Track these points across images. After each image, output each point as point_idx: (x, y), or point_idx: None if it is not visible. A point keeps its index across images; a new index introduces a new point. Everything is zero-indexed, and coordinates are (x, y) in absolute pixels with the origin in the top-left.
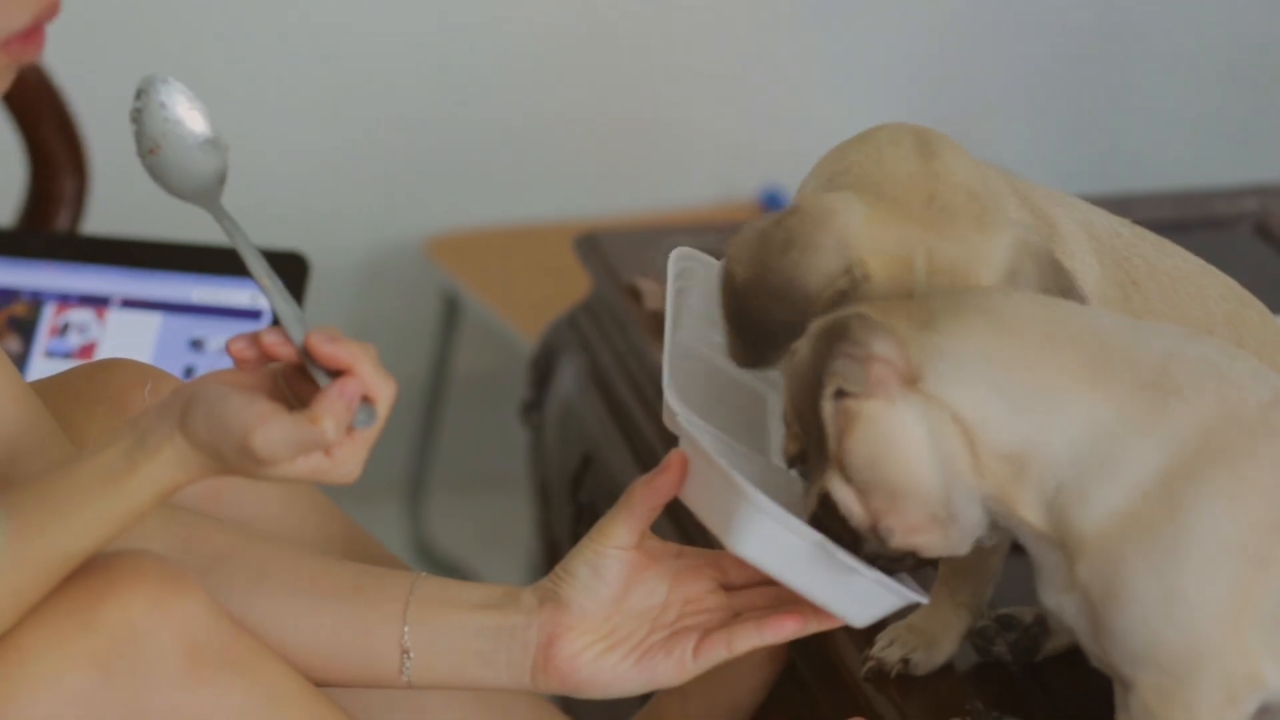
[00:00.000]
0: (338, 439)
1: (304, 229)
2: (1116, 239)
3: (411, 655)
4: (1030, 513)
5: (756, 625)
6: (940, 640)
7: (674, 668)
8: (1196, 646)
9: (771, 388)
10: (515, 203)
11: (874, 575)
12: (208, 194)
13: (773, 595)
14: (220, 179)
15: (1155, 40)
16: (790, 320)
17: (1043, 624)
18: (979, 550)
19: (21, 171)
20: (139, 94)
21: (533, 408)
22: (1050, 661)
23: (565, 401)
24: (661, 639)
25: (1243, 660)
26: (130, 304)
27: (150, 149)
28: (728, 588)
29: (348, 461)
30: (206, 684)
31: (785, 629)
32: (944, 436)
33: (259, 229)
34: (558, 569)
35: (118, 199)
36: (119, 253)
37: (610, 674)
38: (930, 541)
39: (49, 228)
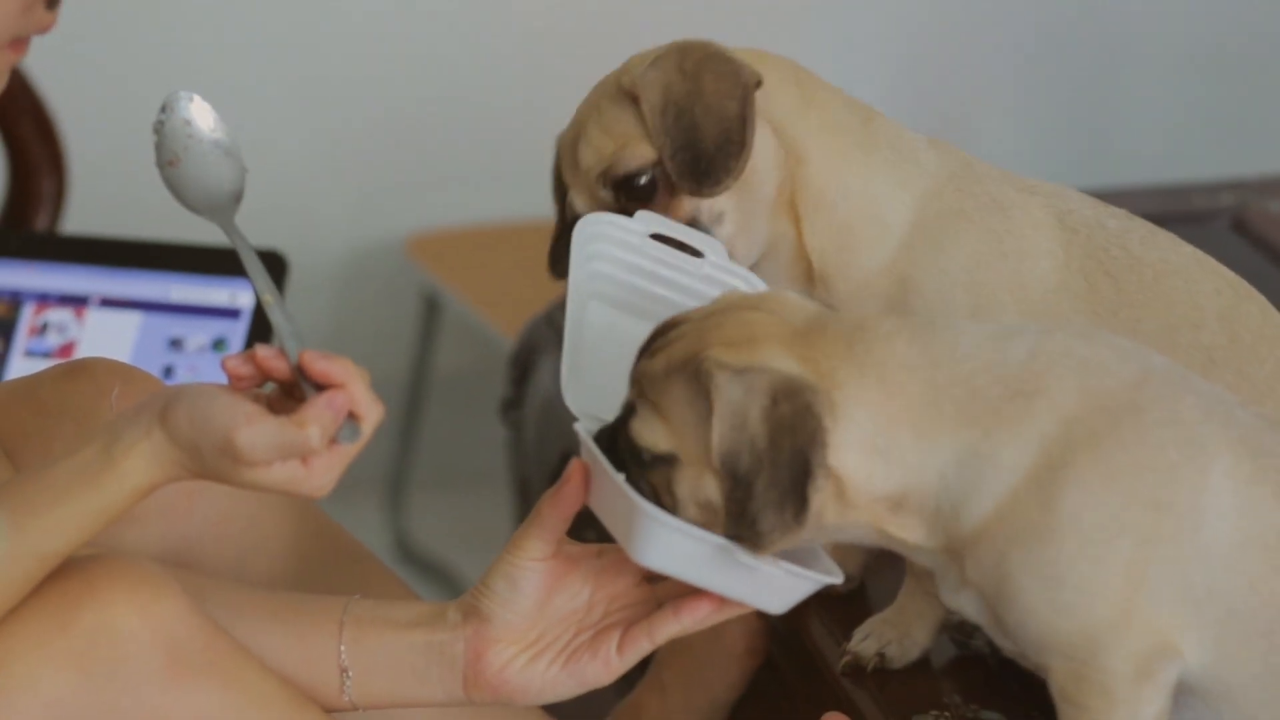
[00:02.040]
0: (320, 447)
1: (283, 227)
2: (1099, 230)
3: (350, 675)
4: (908, 534)
5: (674, 611)
6: (914, 632)
7: (601, 667)
8: (1091, 629)
9: None
10: (495, 201)
11: (779, 568)
12: (222, 210)
13: (692, 599)
14: (236, 198)
15: (1135, 35)
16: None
17: None
18: None
19: (0, 171)
20: (163, 107)
21: (512, 405)
22: None
23: (545, 399)
24: (587, 640)
25: (1148, 635)
26: (109, 303)
27: (170, 160)
28: (652, 580)
29: (323, 475)
30: (186, 685)
31: (700, 611)
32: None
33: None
34: (478, 583)
35: (96, 198)
36: (98, 252)
37: (540, 681)
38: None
39: (28, 227)
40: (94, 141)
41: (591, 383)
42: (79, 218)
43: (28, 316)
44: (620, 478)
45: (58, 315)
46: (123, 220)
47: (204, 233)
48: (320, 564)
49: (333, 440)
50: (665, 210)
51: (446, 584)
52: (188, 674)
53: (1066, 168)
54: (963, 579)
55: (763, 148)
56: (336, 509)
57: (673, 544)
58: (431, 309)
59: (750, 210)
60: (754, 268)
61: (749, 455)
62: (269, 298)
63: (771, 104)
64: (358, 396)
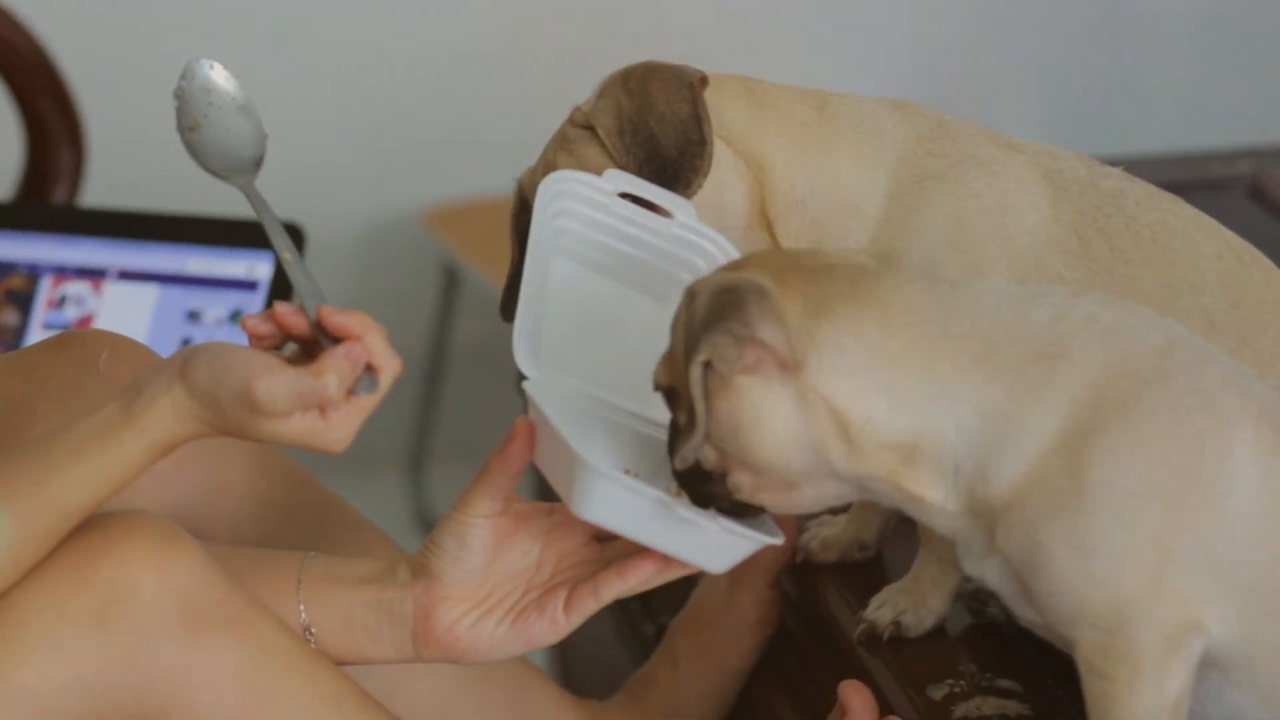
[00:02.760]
0: (338, 396)
1: (301, 200)
2: (1091, 189)
3: (313, 632)
4: (929, 492)
5: (618, 571)
6: (930, 599)
7: (548, 626)
8: (1121, 600)
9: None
10: (513, 173)
11: (719, 525)
12: (242, 174)
13: (636, 559)
14: (256, 163)
15: (1152, 1)
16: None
17: None
18: None
19: (19, 145)
20: (184, 74)
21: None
22: None
23: None
24: (535, 599)
25: (1176, 607)
26: (127, 276)
27: (190, 126)
28: (601, 540)
29: (341, 427)
30: (204, 640)
31: (644, 571)
32: (815, 424)
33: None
34: (427, 541)
35: (115, 172)
36: (116, 225)
37: (488, 639)
38: (778, 501)
39: (46, 200)
40: (112, 115)
41: (552, 339)
42: (97, 191)
43: (46, 289)
44: (560, 428)
45: (76, 288)
46: (141, 194)
47: (221, 205)
48: (317, 533)
49: (350, 392)
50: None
51: None
52: (205, 629)
53: (1082, 136)
54: (989, 547)
55: (724, 165)
56: (356, 481)
57: (613, 497)
58: (450, 281)
59: (724, 230)
60: None
61: (682, 348)
62: (288, 255)
63: (724, 120)
64: (375, 349)
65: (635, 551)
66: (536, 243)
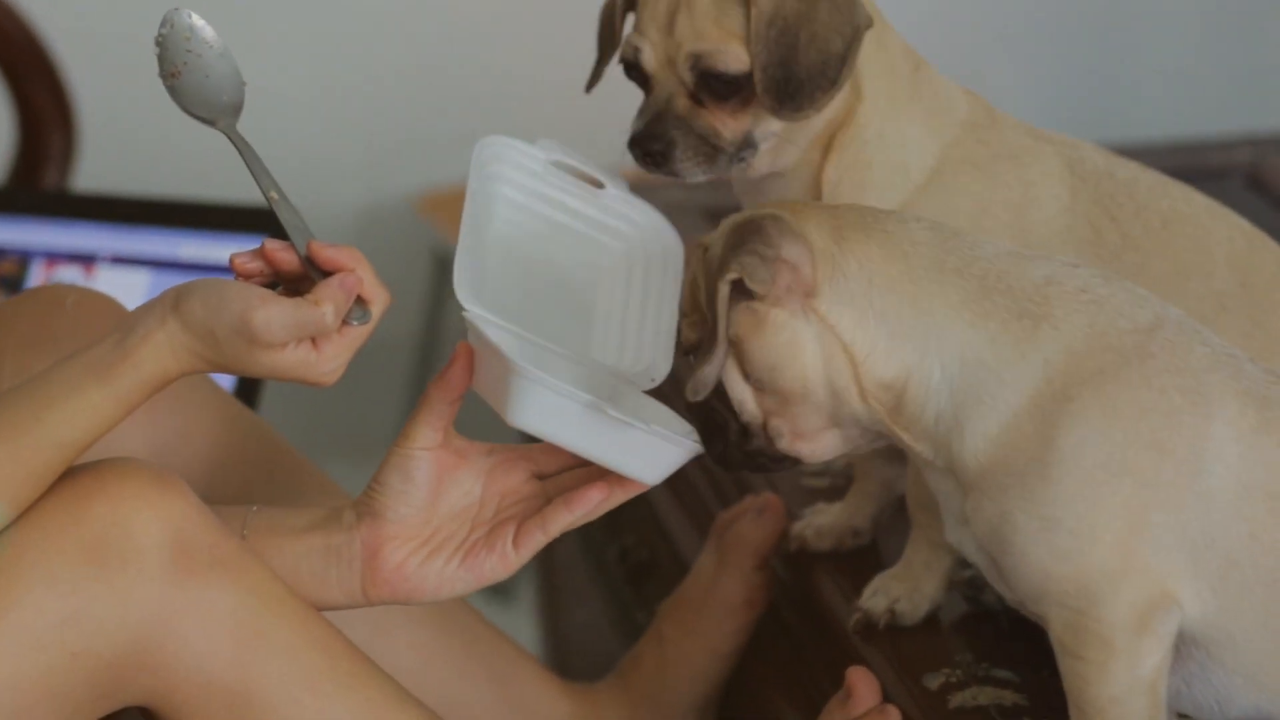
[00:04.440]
0: (334, 325)
1: (292, 186)
2: (1107, 179)
3: None
4: (918, 443)
5: (565, 503)
6: (923, 584)
7: (498, 562)
8: (1087, 575)
9: (601, 277)
10: None
11: (650, 428)
12: (223, 116)
13: (584, 476)
14: (236, 108)
15: None
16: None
17: None
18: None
19: (9, 128)
20: (164, 22)
21: None
22: None
23: None
24: (483, 536)
25: (1146, 584)
26: (119, 261)
27: (172, 72)
28: (541, 477)
29: (334, 358)
30: (196, 580)
31: (590, 500)
32: (832, 360)
33: (246, 186)
34: (371, 482)
35: (106, 156)
36: (108, 209)
37: (437, 578)
38: (813, 449)
39: (37, 185)
40: (104, 99)
41: (490, 295)
42: (88, 175)
43: (37, 274)
44: (501, 346)
45: (67, 272)
46: (132, 178)
47: (214, 190)
48: (284, 485)
49: (344, 323)
50: (732, 114)
51: None
52: (197, 570)
53: (1081, 124)
54: (964, 514)
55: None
56: (349, 467)
57: (544, 403)
58: (442, 267)
59: (796, 137)
60: (757, 184)
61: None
62: (274, 194)
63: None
64: (367, 280)
65: (578, 485)
66: (474, 198)
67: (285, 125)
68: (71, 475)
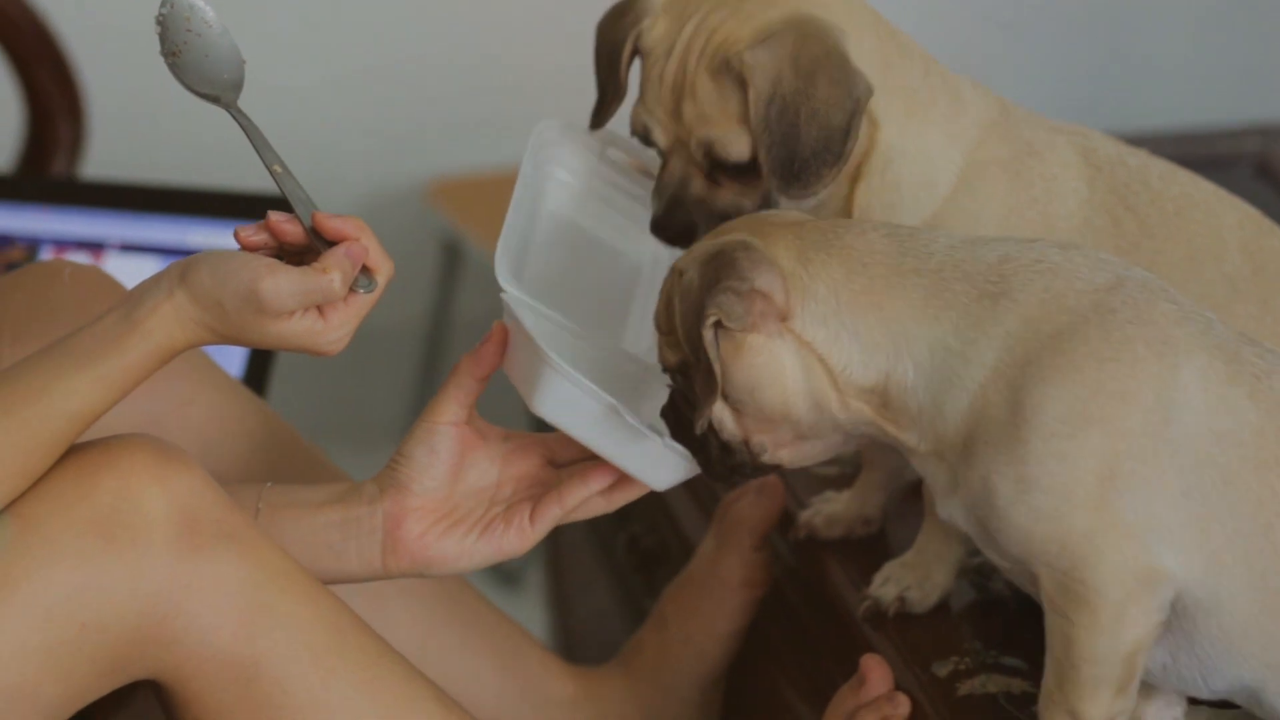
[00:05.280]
0: (342, 292)
1: (301, 173)
2: (1120, 167)
3: None
4: (906, 435)
5: (581, 476)
6: (934, 573)
7: (515, 536)
8: (1068, 535)
9: (645, 271)
10: (515, 147)
11: (665, 440)
12: (224, 93)
13: (599, 462)
14: (237, 85)
15: None
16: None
17: None
18: None
19: (18, 116)
20: (163, 3)
21: None
22: None
23: None
24: (500, 513)
25: (1128, 546)
26: (128, 248)
27: (173, 51)
28: (555, 465)
29: (340, 327)
30: (205, 554)
31: (606, 476)
32: (812, 374)
33: (254, 173)
34: (395, 455)
35: (115, 143)
36: (116, 197)
37: (457, 548)
38: (794, 456)
39: (46, 172)
40: (112, 86)
41: (533, 276)
42: (97, 163)
43: None
44: (534, 334)
45: (76, 260)
46: (141, 165)
47: (222, 178)
48: (283, 463)
49: (350, 291)
50: (749, 185)
51: None
52: (205, 544)
53: (1088, 114)
54: (952, 487)
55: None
56: (357, 457)
57: (568, 397)
58: (452, 256)
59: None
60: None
61: (684, 311)
62: (278, 168)
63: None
64: (372, 248)
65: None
66: (526, 180)
67: (294, 114)
68: (80, 450)
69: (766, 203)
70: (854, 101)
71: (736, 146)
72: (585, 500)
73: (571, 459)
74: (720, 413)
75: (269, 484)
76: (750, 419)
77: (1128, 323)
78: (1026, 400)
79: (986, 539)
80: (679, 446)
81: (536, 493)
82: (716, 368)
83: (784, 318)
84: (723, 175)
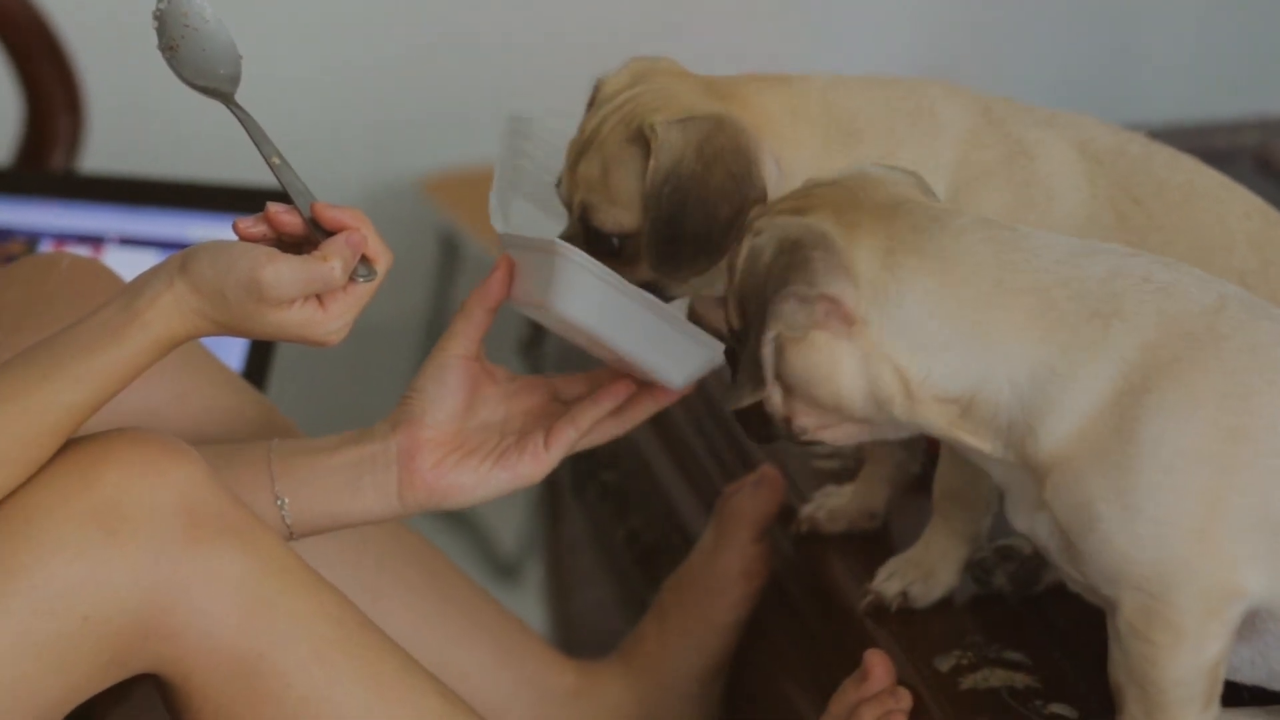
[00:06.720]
0: (342, 280)
1: (298, 167)
2: (1121, 158)
3: (285, 500)
4: (984, 443)
5: (592, 398)
6: (939, 571)
7: (531, 461)
8: (1167, 562)
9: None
10: None
11: (682, 324)
12: (220, 90)
13: (607, 387)
14: (234, 80)
15: None
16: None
17: (1042, 555)
18: (971, 479)
19: (17, 110)
20: None
21: (532, 345)
22: (1050, 592)
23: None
24: (514, 441)
25: (1220, 570)
26: (127, 242)
27: (170, 45)
28: (563, 401)
29: (339, 316)
30: (205, 548)
31: (619, 393)
32: (880, 378)
33: (251, 167)
34: (406, 391)
35: (114, 137)
36: (116, 191)
37: (473, 477)
38: (837, 437)
39: (45, 166)
40: (111, 80)
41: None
42: (96, 156)
43: None
44: (545, 237)
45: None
46: (141, 159)
47: (221, 172)
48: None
49: (350, 280)
50: (631, 266)
51: (464, 523)
52: (207, 538)
53: (1088, 106)
54: (1038, 501)
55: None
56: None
57: (586, 287)
58: (449, 250)
59: None
60: None
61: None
62: (276, 160)
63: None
64: (371, 237)
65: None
66: (501, 160)
67: (291, 106)
68: (82, 442)
69: (643, 284)
70: (743, 199)
71: (611, 218)
72: (598, 421)
73: (577, 395)
74: (772, 393)
75: (275, 440)
76: (799, 401)
77: (1239, 351)
78: (1144, 432)
79: (1070, 557)
80: (696, 330)
81: (548, 423)
82: (768, 375)
83: (851, 322)
84: (598, 249)
